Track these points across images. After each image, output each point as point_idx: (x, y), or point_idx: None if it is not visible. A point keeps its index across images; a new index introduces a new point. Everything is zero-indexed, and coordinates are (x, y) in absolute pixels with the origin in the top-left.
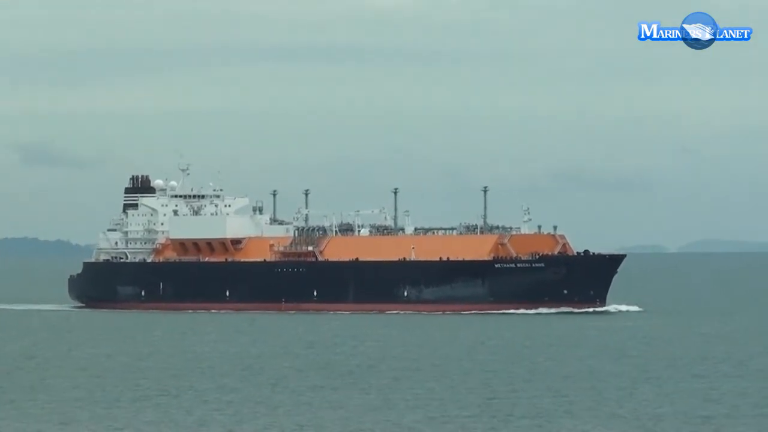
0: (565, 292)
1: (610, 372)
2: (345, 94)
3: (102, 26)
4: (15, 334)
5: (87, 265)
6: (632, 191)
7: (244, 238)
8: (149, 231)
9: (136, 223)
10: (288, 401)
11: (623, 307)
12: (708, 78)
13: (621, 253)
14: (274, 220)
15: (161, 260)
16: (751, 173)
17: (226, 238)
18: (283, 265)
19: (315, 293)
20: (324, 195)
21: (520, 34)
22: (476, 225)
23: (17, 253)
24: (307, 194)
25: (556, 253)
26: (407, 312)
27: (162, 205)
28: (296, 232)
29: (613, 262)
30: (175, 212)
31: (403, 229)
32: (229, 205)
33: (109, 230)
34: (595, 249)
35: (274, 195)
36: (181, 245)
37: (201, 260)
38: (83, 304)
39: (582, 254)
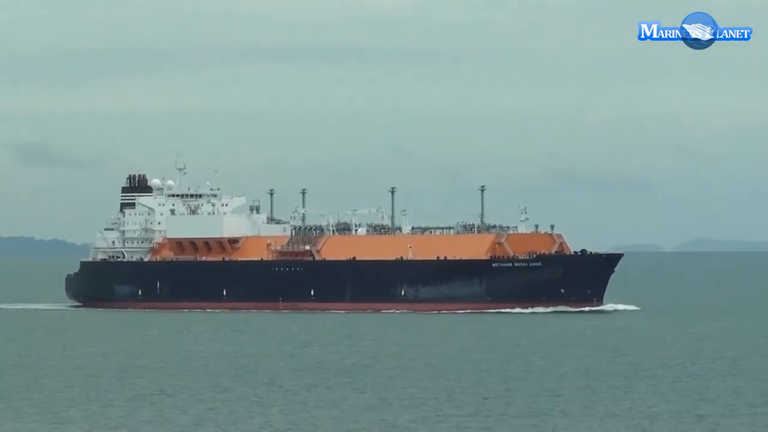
0: (563, 291)
1: (605, 371)
2: (345, 94)
3: (102, 26)
4: (11, 333)
5: (84, 265)
6: (631, 191)
7: (241, 238)
8: (146, 230)
9: (133, 222)
10: (283, 400)
11: (620, 307)
12: (708, 78)
13: (618, 252)
14: (271, 220)
15: (158, 259)
16: (749, 173)
17: (223, 238)
18: (280, 265)
19: (312, 292)
20: (321, 194)
21: (520, 34)
22: (473, 224)
23: (13, 253)
24: (304, 193)
25: (553, 252)
26: (404, 311)
27: (159, 205)
28: (293, 231)
29: (610, 261)
30: (172, 211)
31: (400, 229)
32: (226, 205)
33: (106, 229)
34: (592, 248)
35: (271, 194)
36: (178, 244)
37: (198, 259)
38: (80, 304)
39: (579, 253)
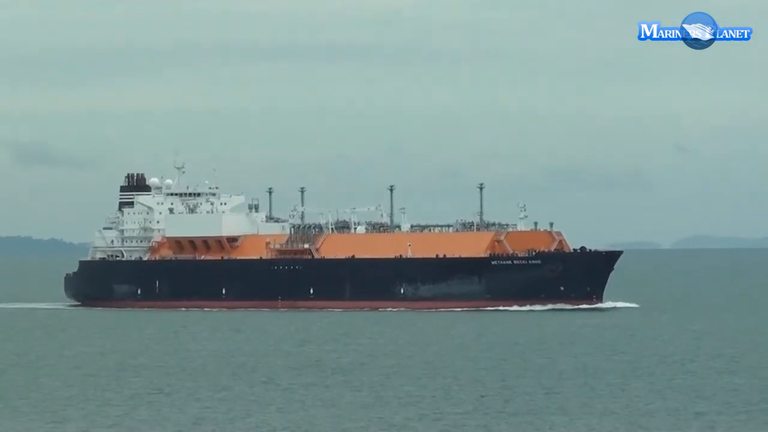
0: (562, 288)
1: (602, 368)
2: (344, 94)
3: (102, 26)
4: (9, 333)
5: (83, 264)
6: (630, 189)
7: (240, 236)
8: (145, 229)
9: (131, 221)
10: (280, 399)
11: (620, 304)
12: (708, 78)
13: (617, 249)
14: (270, 218)
15: (157, 258)
16: (747, 172)
17: (222, 236)
18: (280, 263)
19: (311, 291)
20: (320, 193)
21: (520, 33)
22: (473, 222)
23: (11, 252)
24: (302, 192)
25: (552, 250)
26: (403, 309)
27: (158, 203)
28: (292, 229)
29: (609, 258)
30: (171, 210)
31: (399, 227)
32: (225, 203)
33: (105, 228)
34: (592, 246)
35: (270, 193)
36: (177, 243)
37: (197, 258)
38: (79, 303)
39: (578, 251)
